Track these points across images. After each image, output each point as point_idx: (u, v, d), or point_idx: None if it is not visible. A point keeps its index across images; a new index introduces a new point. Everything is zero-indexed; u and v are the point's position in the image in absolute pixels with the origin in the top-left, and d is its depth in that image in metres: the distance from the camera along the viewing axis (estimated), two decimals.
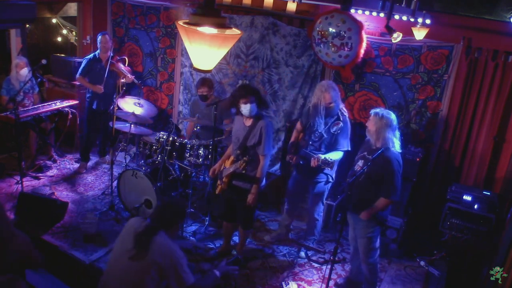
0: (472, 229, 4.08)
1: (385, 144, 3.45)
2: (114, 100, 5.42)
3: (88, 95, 5.71)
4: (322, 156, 3.86)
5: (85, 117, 5.80)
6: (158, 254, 2.65)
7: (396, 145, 3.47)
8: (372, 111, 3.55)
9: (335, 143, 4.10)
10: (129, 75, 5.58)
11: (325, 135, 4.10)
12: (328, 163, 3.82)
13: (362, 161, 3.59)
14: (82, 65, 5.56)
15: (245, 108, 3.72)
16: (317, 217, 4.50)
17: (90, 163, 6.05)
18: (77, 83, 5.89)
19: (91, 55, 5.60)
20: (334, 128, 4.08)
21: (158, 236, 2.71)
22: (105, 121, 5.74)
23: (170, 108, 6.57)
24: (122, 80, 5.52)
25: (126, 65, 5.71)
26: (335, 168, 4.25)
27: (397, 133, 3.52)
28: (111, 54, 5.51)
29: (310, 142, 4.18)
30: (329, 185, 4.37)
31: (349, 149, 4.15)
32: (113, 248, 2.92)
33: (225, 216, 4.22)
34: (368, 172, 3.46)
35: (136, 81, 5.66)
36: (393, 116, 3.47)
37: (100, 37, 5.51)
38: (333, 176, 4.32)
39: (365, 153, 3.61)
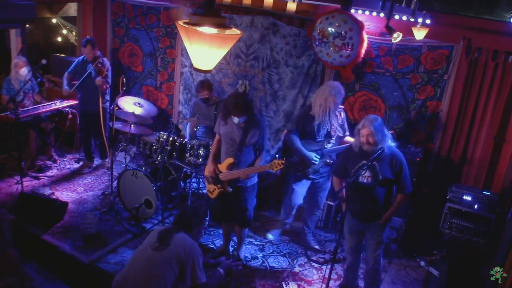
0: (472, 229, 4.08)
1: (386, 141, 3.45)
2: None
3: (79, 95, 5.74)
4: None
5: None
6: (179, 245, 2.85)
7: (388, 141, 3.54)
8: (366, 125, 3.39)
9: (344, 131, 4.39)
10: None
11: (339, 128, 4.33)
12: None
13: (369, 170, 3.47)
14: (72, 65, 5.63)
15: (235, 120, 3.74)
16: (322, 207, 4.69)
17: None
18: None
19: (81, 57, 5.64)
20: (341, 119, 4.36)
21: (179, 234, 2.93)
22: (94, 122, 5.69)
23: (170, 108, 6.57)
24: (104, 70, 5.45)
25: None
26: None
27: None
28: (100, 54, 5.52)
29: (324, 141, 4.31)
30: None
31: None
32: (136, 249, 3.08)
33: (222, 216, 4.22)
34: (380, 177, 3.46)
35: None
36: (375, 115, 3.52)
37: (83, 49, 5.44)
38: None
39: (364, 161, 3.44)
